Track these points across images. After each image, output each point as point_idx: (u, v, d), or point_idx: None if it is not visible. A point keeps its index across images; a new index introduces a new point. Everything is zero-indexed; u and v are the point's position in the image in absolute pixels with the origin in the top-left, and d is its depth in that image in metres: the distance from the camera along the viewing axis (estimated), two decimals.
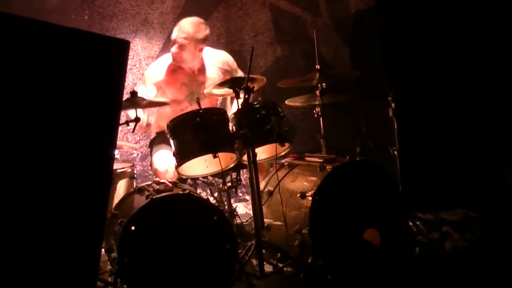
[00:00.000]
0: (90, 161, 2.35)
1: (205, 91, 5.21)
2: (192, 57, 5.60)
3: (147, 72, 5.78)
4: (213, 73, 5.75)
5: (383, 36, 6.66)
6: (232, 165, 4.84)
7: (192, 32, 5.50)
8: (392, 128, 5.19)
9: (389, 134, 5.21)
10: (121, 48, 2.39)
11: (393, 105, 5.14)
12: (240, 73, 5.83)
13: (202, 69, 5.75)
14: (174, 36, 5.56)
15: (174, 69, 5.66)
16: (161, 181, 4.76)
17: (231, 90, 4.73)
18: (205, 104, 5.36)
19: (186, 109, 5.60)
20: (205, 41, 5.63)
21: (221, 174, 4.91)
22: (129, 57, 6.50)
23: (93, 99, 2.34)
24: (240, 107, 4.56)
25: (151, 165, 5.61)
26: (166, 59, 5.71)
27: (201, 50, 5.64)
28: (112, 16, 6.92)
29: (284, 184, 4.89)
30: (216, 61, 5.80)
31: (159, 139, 5.66)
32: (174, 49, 5.54)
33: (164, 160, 5.28)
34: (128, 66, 6.86)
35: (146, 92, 5.38)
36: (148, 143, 6.27)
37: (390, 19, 6.61)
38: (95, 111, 2.33)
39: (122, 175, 5.25)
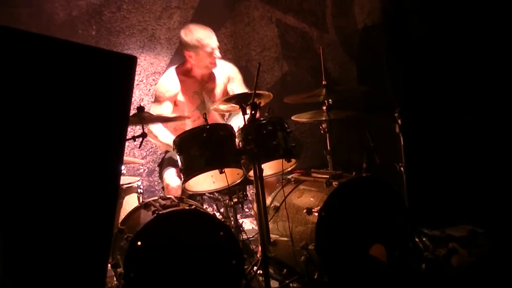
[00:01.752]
0: (97, 176, 2.35)
1: (212, 107, 5.23)
2: (206, 66, 5.75)
3: (160, 87, 5.80)
4: (220, 81, 5.80)
5: (389, 52, 6.67)
6: (238, 181, 4.84)
7: (213, 39, 5.68)
8: (398, 144, 5.18)
9: (396, 150, 5.21)
10: (128, 64, 2.40)
11: (399, 121, 5.13)
12: (242, 85, 5.85)
13: (211, 76, 5.80)
14: (210, 45, 5.67)
15: (185, 80, 5.72)
16: (168, 196, 4.77)
17: (237, 106, 4.75)
18: (212, 119, 5.39)
19: (197, 119, 5.63)
20: (214, 50, 5.73)
21: (228, 190, 4.91)
22: (136, 72, 6.52)
23: (100, 114, 2.34)
24: (246, 123, 4.58)
25: (161, 179, 5.61)
26: (173, 72, 5.78)
27: (215, 59, 5.75)
28: (120, 32, 6.95)
29: (290, 200, 4.89)
30: (223, 69, 5.85)
31: (169, 155, 5.66)
32: (211, 59, 5.70)
33: (176, 177, 5.29)
34: (135, 82, 6.87)
35: (161, 109, 5.48)
36: (154, 159, 6.29)
37: (397, 34, 6.62)
38: (102, 126, 2.34)
39: (129, 190, 5.27)
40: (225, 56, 7.34)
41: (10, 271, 2.19)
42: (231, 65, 6.02)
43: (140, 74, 7.00)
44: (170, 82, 5.74)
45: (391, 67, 6.61)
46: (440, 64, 6.20)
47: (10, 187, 2.19)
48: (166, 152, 5.80)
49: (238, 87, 5.84)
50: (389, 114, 5.23)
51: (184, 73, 5.74)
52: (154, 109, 5.61)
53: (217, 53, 5.65)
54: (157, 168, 6.20)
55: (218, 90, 5.79)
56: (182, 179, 4.73)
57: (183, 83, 5.71)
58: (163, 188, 5.46)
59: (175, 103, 5.70)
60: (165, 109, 5.60)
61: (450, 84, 6.15)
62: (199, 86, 5.75)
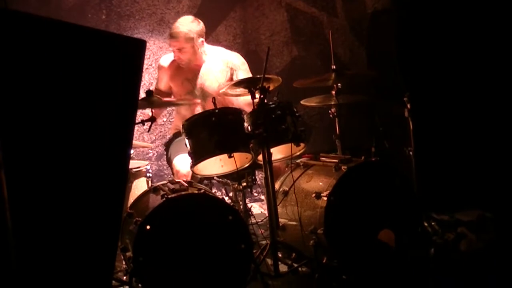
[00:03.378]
0: (106, 160, 2.36)
1: (221, 91, 5.23)
2: (194, 55, 5.72)
3: (159, 63, 6.05)
4: (218, 72, 5.78)
5: (399, 36, 6.64)
6: (247, 165, 4.84)
7: (184, 33, 5.62)
8: (407, 129, 5.17)
9: (405, 134, 5.20)
10: (138, 48, 2.40)
11: (408, 105, 5.12)
12: (249, 74, 5.82)
13: (207, 67, 5.80)
14: (169, 43, 5.73)
15: (180, 67, 5.75)
16: (176, 180, 4.77)
17: (246, 90, 4.75)
18: (220, 103, 5.39)
19: (196, 107, 5.67)
20: (201, 35, 5.73)
21: (236, 174, 4.91)
22: (146, 56, 6.53)
23: (110, 98, 2.35)
24: (255, 106, 4.57)
25: (169, 165, 5.63)
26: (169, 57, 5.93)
27: (200, 45, 5.73)
28: (129, 16, 6.95)
29: (299, 184, 4.89)
30: (225, 60, 5.83)
31: (178, 141, 5.67)
32: (175, 55, 5.72)
33: (187, 163, 5.29)
34: (144, 66, 6.88)
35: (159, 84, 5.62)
36: (163, 143, 6.30)
37: (407, 19, 6.60)
38: (112, 110, 2.34)
39: (138, 174, 5.27)
40: (234, 40, 7.34)
41: (23, 254, 2.20)
42: (236, 54, 5.97)
43: (149, 58, 7.01)
44: (164, 59, 5.99)
45: (400, 51, 6.58)
46: (449, 49, 6.17)
47: (23, 170, 2.20)
48: (175, 135, 5.81)
49: (244, 76, 5.81)
50: (398, 99, 5.22)
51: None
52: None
53: (175, 55, 5.80)
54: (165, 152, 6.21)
55: (211, 78, 5.77)
56: (191, 163, 4.74)
57: (176, 68, 5.82)
58: (173, 173, 5.48)
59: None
60: (161, 84, 5.87)
61: (459, 69, 6.12)
62: (192, 74, 5.77)
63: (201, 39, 5.70)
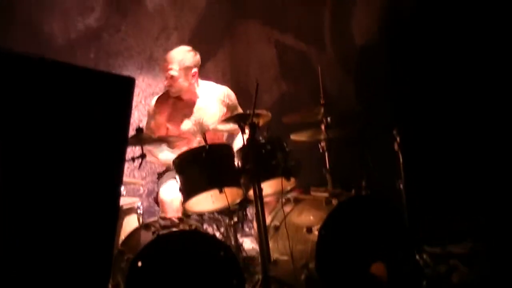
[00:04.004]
0: (97, 198, 2.36)
1: (211, 127, 5.24)
2: (187, 85, 5.66)
3: (151, 104, 5.88)
4: (214, 107, 5.76)
5: (387, 69, 6.70)
6: (238, 200, 4.85)
7: (179, 60, 5.59)
8: (397, 161, 5.19)
9: (395, 167, 5.22)
10: (127, 85, 2.41)
11: (398, 138, 5.15)
12: (240, 110, 5.82)
13: (202, 101, 5.78)
14: (162, 69, 5.68)
15: (175, 102, 5.72)
16: (168, 216, 4.77)
17: (236, 126, 4.76)
18: (211, 139, 5.39)
19: (192, 141, 5.65)
20: (196, 66, 5.68)
21: (227, 210, 4.91)
22: (135, 94, 6.54)
23: (99, 136, 2.35)
24: (245, 142, 4.59)
25: (156, 198, 5.61)
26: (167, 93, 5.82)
27: (194, 76, 5.68)
28: (118, 54, 6.98)
29: (290, 219, 4.90)
30: (218, 95, 5.80)
31: (167, 174, 5.66)
32: (167, 82, 5.64)
33: (170, 191, 5.27)
34: (134, 103, 6.89)
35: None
36: (154, 179, 6.29)
37: (395, 51, 6.65)
38: (102, 149, 2.35)
39: (129, 211, 5.26)
40: (223, 77, 7.37)
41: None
42: (229, 91, 5.94)
43: (138, 95, 7.02)
44: (158, 102, 5.84)
45: (389, 84, 6.63)
46: (438, 82, 6.23)
47: (12, 218, 2.20)
48: (165, 171, 5.79)
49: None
50: (388, 132, 5.24)
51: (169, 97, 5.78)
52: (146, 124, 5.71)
53: (167, 82, 5.72)
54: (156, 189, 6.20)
55: (210, 116, 5.75)
56: (182, 199, 4.74)
57: (173, 105, 5.75)
58: (157, 203, 5.46)
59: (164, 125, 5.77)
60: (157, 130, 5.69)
61: (448, 101, 6.17)
62: (189, 109, 5.75)
63: (195, 69, 5.68)
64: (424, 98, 6.27)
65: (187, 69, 5.59)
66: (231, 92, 5.88)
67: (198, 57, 5.70)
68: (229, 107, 5.75)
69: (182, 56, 5.60)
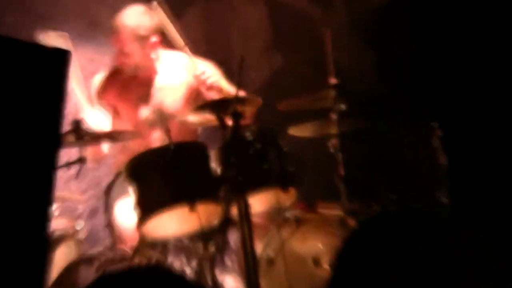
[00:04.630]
0: (17, 222, 2.32)
1: (177, 119, 5.21)
2: (144, 60, 5.67)
3: (94, 87, 5.85)
4: (181, 87, 5.74)
5: (419, 35, 6.69)
6: (216, 221, 4.81)
7: (132, 28, 5.61)
8: (438, 164, 5.18)
9: (435, 172, 5.20)
10: (60, 61, 2.38)
11: (439, 132, 5.13)
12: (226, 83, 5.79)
13: (164, 78, 5.76)
14: (111, 41, 5.69)
15: (127, 80, 5.69)
16: (118, 246, 4.74)
17: (213, 116, 4.72)
18: (177, 135, 5.35)
19: (150, 137, 5.62)
20: (156, 33, 5.70)
21: (201, 235, 4.87)
22: (71, 73, 6.51)
23: (21, 133, 2.31)
24: (226, 139, 4.56)
25: (109, 222, 5.57)
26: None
27: (153, 47, 5.69)
28: (47, 17, 6.93)
29: (290, 247, 4.89)
30: (188, 69, 5.77)
31: (120, 184, 5.61)
32: (116, 57, 5.70)
33: (130, 217, 5.23)
34: (69, 87, 6.87)
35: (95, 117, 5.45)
36: (98, 193, 6.25)
37: (427, 12, 6.65)
38: (24, 151, 2.31)
39: (63, 238, 5.24)
40: (195, 48, 7.32)
41: None
42: (201, 60, 5.93)
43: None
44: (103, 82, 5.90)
45: (421, 56, 6.62)
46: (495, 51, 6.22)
47: None
48: (117, 176, 5.75)
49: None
50: (424, 123, 5.23)
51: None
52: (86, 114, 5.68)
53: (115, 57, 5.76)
54: (102, 205, 6.17)
55: (175, 93, 5.73)
56: (137, 220, 4.69)
57: (124, 85, 5.73)
58: (111, 230, 5.42)
59: (116, 111, 5.72)
60: (99, 116, 5.64)
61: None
62: (146, 90, 5.73)
63: (155, 38, 5.67)
64: (475, 76, 6.25)
65: (143, 39, 5.57)
66: (210, 65, 5.85)
67: (155, 20, 5.67)
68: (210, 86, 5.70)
69: (136, 21, 5.58)
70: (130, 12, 5.67)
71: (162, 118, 5.64)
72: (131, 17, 5.62)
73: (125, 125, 5.74)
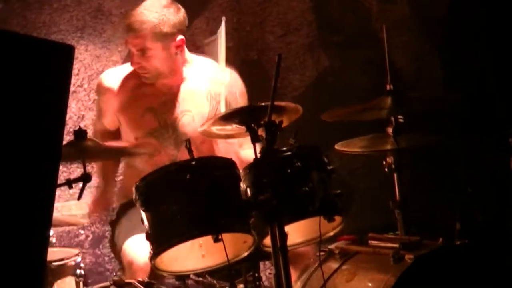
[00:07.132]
0: (9, 251, 2.35)
1: (200, 129, 5.23)
2: (166, 64, 5.68)
3: (100, 82, 5.95)
4: (203, 95, 5.75)
5: (494, 35, 6.71)
6: (245, 254, 4.84)
7: (151, 24, 5.55)
8: None
9: (510, 199, 5.22)
10: (61, 57, 2.40)
11: None
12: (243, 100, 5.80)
13: (190, 85, 5.77)
14: (127, 41, 5.70)
15: (139, 84, 5.69)
16: (127, 281, 4.76)
17: (242, 128, 4.73)
18: (199, 149, 5.37)
19: (158, 154, 5.64)
20: (181, 31, 5.68)
21: (228, 269, 4.90)
22: (73, 72, 6.55)
23: (14, 143, 2.34)
24: (259, 155, 4.57)
25: (115, 253, 5.60)
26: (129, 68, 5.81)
27: (179, 47, 5.68)
28: (43, 4, 6.97)
29: (334, 286, 4.89)
30: (214, 78, 5.78)
31: (130, 215, 5.62)
32: (133, 61, 5.63)
33: (144, 248, 5.23)
34: (71, 88, 6.91)
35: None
36: (103, 218, 6.29)
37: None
38: (18, 167, 2.33)
39: (62, 271, 5.27)
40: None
41: None
42: (234, 76, 5.90)
43: (77, 75, 7.02)
44: (111, 77, 5.87)
45: (498, 59, 6.64)
46: None
47: None
48: (124, 206, 5.77)
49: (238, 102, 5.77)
50: (500, 138, 5.24)
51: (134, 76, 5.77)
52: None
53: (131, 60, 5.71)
54: (108, 233, 6.19)
55: (199, 107, 5.73)
56: (151, 252, 4.71)
57: (133, 89, 5.72)
58: (122, 268, 5.45)
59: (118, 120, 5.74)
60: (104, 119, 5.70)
61: None
62: (158, 101, 5.71)
63: (181, 36, 5.68)
64: None
65: (167, 37, 5.55)
66: (238, 77, 5.85)
67: (182, 13, 5.66)
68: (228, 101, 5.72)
69: (156, 16, 5.55)
70: (149, 3, 5.63)
71: (178, 137, 5.64)
72: (149, 11, 5.57)
73: (129, 138, 5.73)
